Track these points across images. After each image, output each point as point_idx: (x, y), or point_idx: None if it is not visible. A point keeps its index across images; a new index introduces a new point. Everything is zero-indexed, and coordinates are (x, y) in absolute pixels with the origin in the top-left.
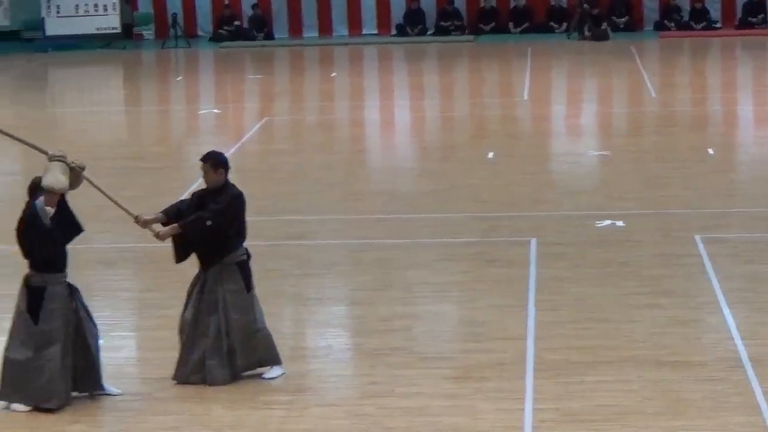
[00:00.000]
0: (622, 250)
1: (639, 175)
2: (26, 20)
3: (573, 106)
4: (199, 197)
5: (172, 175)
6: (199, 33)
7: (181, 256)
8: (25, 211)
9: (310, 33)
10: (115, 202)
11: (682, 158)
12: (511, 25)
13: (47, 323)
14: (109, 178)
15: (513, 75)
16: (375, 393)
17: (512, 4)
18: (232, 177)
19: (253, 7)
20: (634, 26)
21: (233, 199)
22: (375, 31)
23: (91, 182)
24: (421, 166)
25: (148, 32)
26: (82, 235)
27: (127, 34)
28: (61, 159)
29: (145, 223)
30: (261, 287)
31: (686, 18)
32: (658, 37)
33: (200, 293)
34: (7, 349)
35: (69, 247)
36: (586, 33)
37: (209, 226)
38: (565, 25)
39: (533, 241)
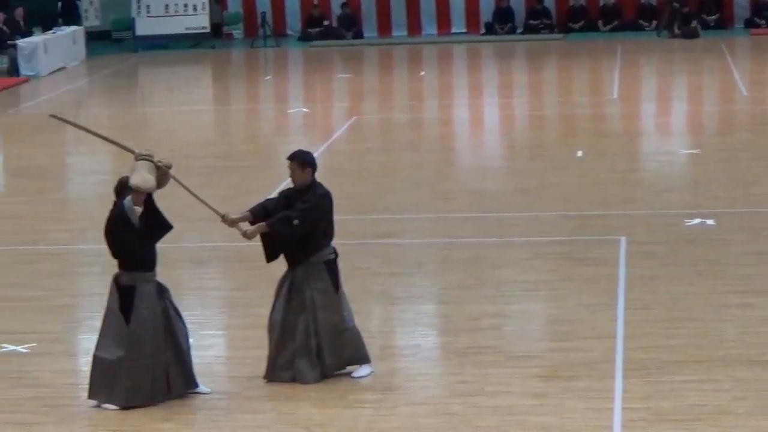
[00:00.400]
0: (713, 249)
1: (729, 173)
2: (116, 20)
3: (663, 105)
4: (286, 196)
5: (261, 174)
6: (288, 32)
7: (270, 255)
8: (113, 211)
9: (399, 32)
10: (203, 201)
11: None
12: (600, 23)
13: (138, 323)
14: (198, 177)
15: (602, 73)
16: (464, 392)
17: (601, 2)
18: (321, 176)
19: (343, 6)
20: (724, 24)
21: (320, 199)
22: (464, 30)
23: (178, 181)
24: (509, 164)
25: (238, 32)
26: (170, 233)
27: (217, 34)
28: (148, 158)
29: (232, 222)
30: (349, 286)
31: None
32: (748, 34)
33: (288, 292)
34: (98, 348)
35: (158, 245)
36: (676, 31)
37: (296, 225)
38: (654, 23)
39: (623, 240)
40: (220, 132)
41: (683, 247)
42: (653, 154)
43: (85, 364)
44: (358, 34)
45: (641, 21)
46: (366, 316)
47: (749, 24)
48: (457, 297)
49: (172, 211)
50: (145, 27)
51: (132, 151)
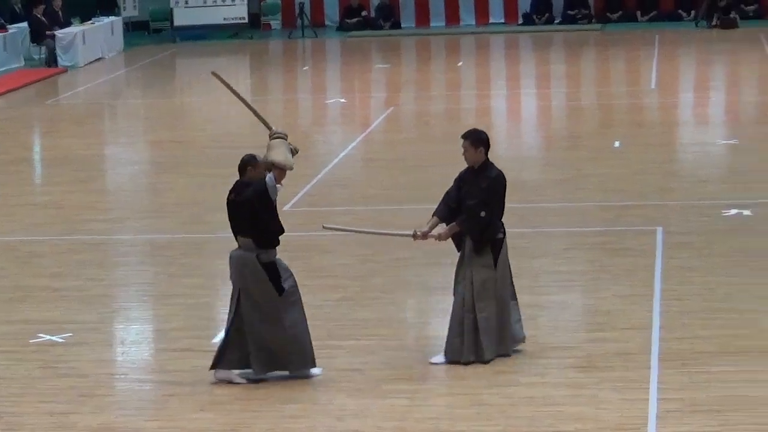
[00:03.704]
0: (750, 240)
1: (766, 164)
2: (155, 11)
3: (701, 95)
4: (460, 178)
5: (299, 164)
6: (327, 23)
7: (459, 244)
8: (252, 188)
9: (437, 22)
10: (388, 233)
11: None
12: (638, 13)
13: (289, 293)
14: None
15: (640, 63)
16: (499, 382)
17: None
18: (361, 165)
19: None
20: (763, 14)
21: (494, 182)
22: (502, 20)
23: (344, 229)
24: (547, 155)
25: (276, 22)
26: (208, 224)
27: (255, 24)
28: (283, 136)
29: (424, 236)
30: (389, 276)
31: None
32: None
33: (458, 269)
34: (261, 326)
35: (197, 236)
36: (715, 21)
37: (483, 217)
38: (693, 13)
39: (659, 230)
40: (258, 123)
41: (720, 238)
42: (690, 145)
43: (120, 353)
44: (396, 25)
45: (680, 11)
46: (402, 306)
47: None
48: None
49: (213, 202)
50: (183, 17)
51: (269, 128)
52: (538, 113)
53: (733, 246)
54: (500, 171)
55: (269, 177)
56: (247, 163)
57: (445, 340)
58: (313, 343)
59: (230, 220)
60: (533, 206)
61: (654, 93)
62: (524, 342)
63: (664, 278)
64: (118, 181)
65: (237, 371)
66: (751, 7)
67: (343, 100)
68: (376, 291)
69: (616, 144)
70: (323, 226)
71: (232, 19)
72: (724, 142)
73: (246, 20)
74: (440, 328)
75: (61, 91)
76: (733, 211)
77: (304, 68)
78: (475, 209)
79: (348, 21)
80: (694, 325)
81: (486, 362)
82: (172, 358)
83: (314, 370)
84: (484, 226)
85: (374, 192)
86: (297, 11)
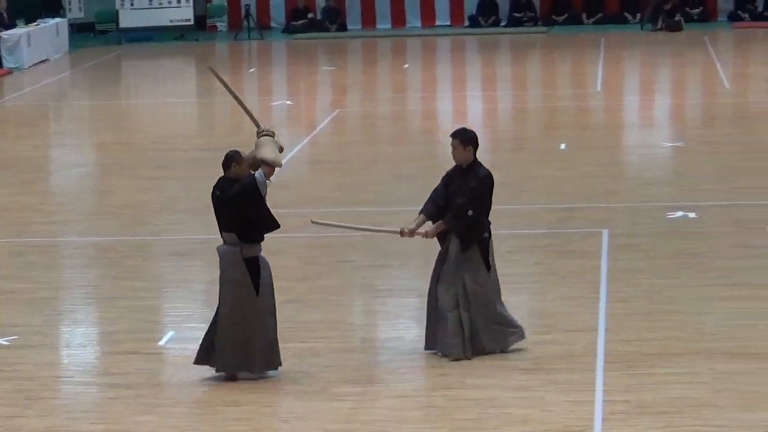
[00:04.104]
0: (695, 242)
1: (712, 166)
2: (100, 12)
3: (646, 97)
4: (448, 176)
5: None
6: (273, 25)
7: (443, 241)
8: (241, 184)
9: (383, 24)
10: (375, 230)
11: (756, 149)
12: (584, 15)
13: (265, 292)
14: (182, 170)
15: (586, 66)
16: (446, 384)
17: None
18: (307, 167)
19: None
20: (707, 17)
21: (482, 181)
22: (448, 22)
23: (332, 225)
24: (493, 157)
25: (222, 24)
26: (153, 226)
27: (201, 26)
28: (270, 134)
29: (411, 233)
30: (333, 278)
31: (760, 8)
32: (731, 27)
33: (440, 267)
34: (229, 321)
35: (141, 238)
36: (660, 24)
37: (470, 215)
38: (638, 15)
39: (605, 233)
40: (204, 124)
41: (665, 240)
42: (636, 147)
43: (66, 356)
44: (342, 27)
45: (625, 14)
46: (348, 308)
47: (732, 17)
48: None
49: (158, 204)
50: (128, 19)
51: (258, 125)
52: (484, 115)
53: (678, 248)
54: (488, 171)
55: (259, 173)
56: (232, 159)
57: (392, 341)
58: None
59: (216, 216)
60: None
61: (599, 95)
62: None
63: (609, 280)
64: (64, 184)
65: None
66: (696, 10)
67: (289, 102)
68: (322, 293)
69: (562, 146)
70: (312, 221)
71: (178, 21)
72: (670, 144)
73: (192, 22)
74: (386, 329)
75: (5, 93)
76: (679, 214)
77: (251, 70)
78: (462, 208)
79: (294, 23)
80: (639, 327)
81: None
82: (118, 360)
83: (273, 369)
84: (471, 224)
85: (321, 194)
86: (243, 13)
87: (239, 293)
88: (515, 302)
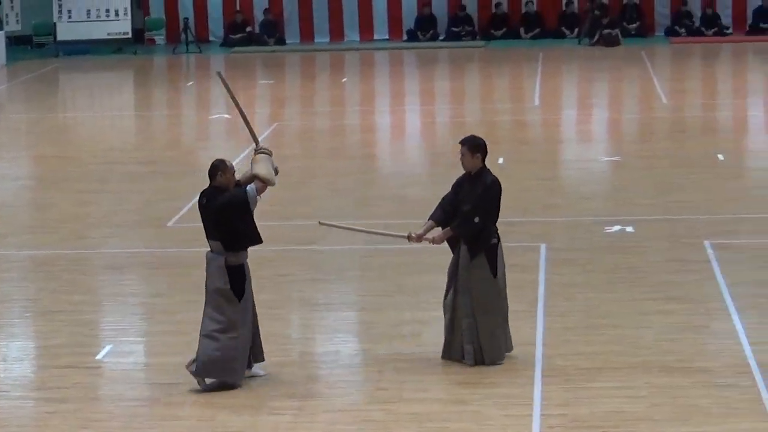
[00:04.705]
0: (632, 256)
1: (649, 180)
2: (37, 25)
3: (584, 112)
4: (458, 183)
5: (183, 180)
6: (211, 38)
7: (454, 247)
8: (229, 195)
9: (322, 38)
10: (381, 233)
11: (692, 164)
12: (522, 30)
13: (247, 299)
14: (120, 183)
15: (524, 80)
16: (383, 399)
17: (523, 10)
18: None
19: (265, 12)
20: (645, 32)
21: (489, 188)
22: (386, 37)
23: (340, 227)
24: (431, 171)
25: (160, 37)
26: (91, 239)
27: (139, 39)
28: (267, 153)
29: (419, 238)
30: (271, 292)
31: (697, 24)
32: (669, 42)
33: (454, 275)
34: (210, 329)
35: (78, 252)
36: (597, 38)
37: (477, 223)
38: (576, 30)
39: (543, 247)
40: (143, 138)
41: (603, 254)
42: (574, 161)
43: (3, 370)
44: (281, 41)
45: (563, 28)
46: (286, 322)
47: (669, 32)
48: (377, 304)
49: (95, 218)
50: (66, 32)
51: (257, 142)
52: (423, 130)
53: (615, 262)
54: (496, 178)
55: (251, 188)
56: (217, 168)
57: (329, 355)
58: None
59: (203, 223)
60: (418, 222)
61: (537, 110)
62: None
63: (547, 294)
64: (1, 197)
65: (255, 365)
66: (633, 25)
67: (227, 116)
68: (260, 307)
69: (500, 161)
70: (319, 222)
71: (116, 34)
72: (607, 158)
73: (130, 35)
74: (324, 343)
75: None
76: (616, 228)
77: (189, 84)
78: (469, 215)
79: (232, 36)
80: (576, 341)
81: (471, 365)
82: (55, 375)
83: (236, 380)
84: (478, 231)
85: (259, 207)
86: (181, 26)
87: (221, 301)
88: None
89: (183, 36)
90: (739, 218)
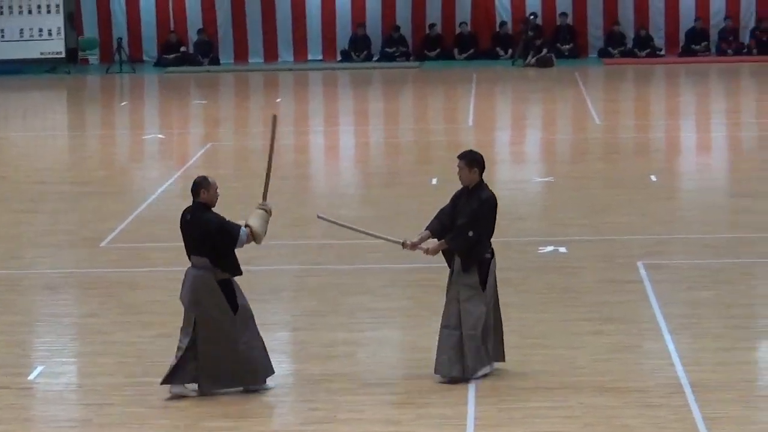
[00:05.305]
0: (565, 277)
1: (582, 201)
2: None
3: (517, 133)
4: (456, 197)
5: (117, 199)
6: (145, 58)
7: (450, 262)
8: (223, 228)
9: (256, 59)
10: (380, 237)
11: (625, 185)
12: (456, 51)
13: (243, 310)
14: (52, 203)
15: (458, 101)
16: (317, 419)
17: (457, 31)
18: (179, 201)
19: (199, 32)
20: (578, 53)
21: (484, 203)
22: (320, 57)
23: (338, 224)
24: (365, 192)
25: (94, 57)
26: (23, 259)
27: (72, 59)
28: (267, 210)
29: (413, 246)
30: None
31: (630, 45)
32: (602, 64)
33: (448, 287)
34: (214, 344)
35: (11, 272)
36: (531, 59)
37: (470, 237)
38: (510, 51)
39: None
40: (76, 157)
41: (536, 275)
42: (507, 182)
43: None
44: (215, 61)
45: (497, 49)
46: None
47: (603, 54)
48: (311, 324)
49: (28, 238)
50: None
51: (264, 197)
52: (357, 150)
53: (548, 283)
54: (492, 193)
55: (244, 231)
56: (200, 185)
57: None
58: (128, 380)
59: (183, 238)
60: (351, 243)
61: (471, 130)
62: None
63: None
64: None
65: (190, 385)
66: (567, 46)
67: (161, 136)
68: None
69: (434, 181)
70: (318, 216)
71: (49, 53)
72: (540, 179)
73: (63, 55)
74: None
75: None
76: (549, 248)
77: (122, 104)
78: (463, 228)
79: (166, 57)
80: (510, 361)
81: (469, 379)
82: None
83: (269, 384)
84: (471, 245)
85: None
86: (115, 46)
87: (217, 314)
88: (387, 336)
89: (117, 56)
90: (671, 239)
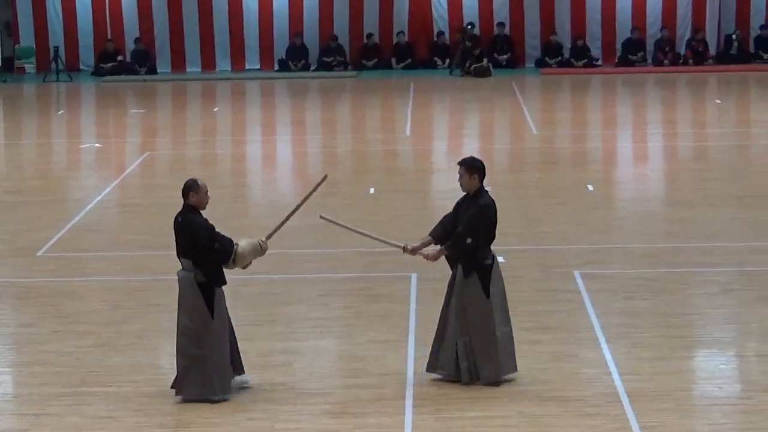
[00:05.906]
0: None
1: (519, 211)
2: None
3: (455, 142)
4: (458, 204)
5: (53, 209)
6: (82, 67)
7: (452, 266)
8: (214, 239)
9: (193, 68)
10: (380, 239)
11: (562, 194)
12: (393, 60)
13: (219, 318)
14: (11, 217)
15: (395, 111)
16: (254, 429)
17: (395, 40)
18: (116, 210)
19: (136, 41)
20: (515, 63)
21: (482, 210)
22: (258, 66)
23: (340, 224)
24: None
25: (30, 66)
26: None
27: (8, 68)
28: (263, 248)
29: (413, 251)
30: (141, 322)
31: (567, 55)
32: (539, 74)
33: (449, 292)
34: (190, 345)
35: None
36: (468, 69)
37: (469, 243)
38: (447, 61)
39: (414, 277)
40: (12, 167)
41: None
42: (444, 191)
43: None
44: (152, 70)
45: (435, 58)
46: (156, 352)
47: (540, 64)
48: (248, 333)
49: None
50: None
51: (269, 236)
52: (294, 159)
53: None
54: (491, 200)
55: (235, 253)
56: (190, 188)
57: None
58: (65, 390)
59: (176, 240)
60: (288, 252)
61: (408, 140)
62: (516, 371)
63: (418, 324)
64: None
65: (239, 377)
66: (504, 56)
67: (98, 145)
68: (130, 337)
69: (371, 190)
70: (320, 216)
71: None
72: None
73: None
74: None
75: None
76: None
77: (59, 112)
78: (461, 235)
79: (103, 65)
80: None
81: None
82: None
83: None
84: (470, 252)
85: (130, 237)
86: (52, 55)
87: (195, 317)
88: (324, 346)
89: (53, 64)
90: (608, 248)
